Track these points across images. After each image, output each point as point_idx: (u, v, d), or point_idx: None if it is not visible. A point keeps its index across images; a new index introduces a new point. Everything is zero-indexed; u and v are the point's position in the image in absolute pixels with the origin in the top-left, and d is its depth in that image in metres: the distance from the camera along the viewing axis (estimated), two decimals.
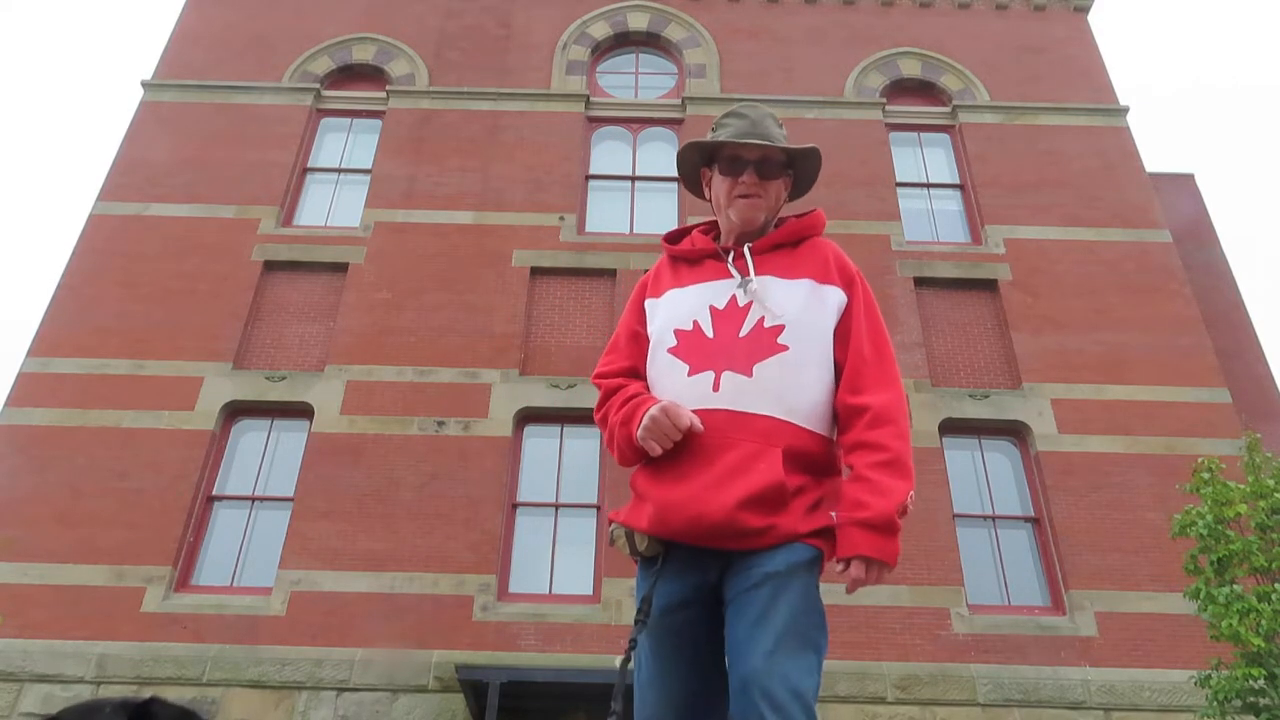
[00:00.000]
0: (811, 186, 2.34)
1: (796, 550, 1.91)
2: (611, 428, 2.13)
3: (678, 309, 2.17)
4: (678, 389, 2.06)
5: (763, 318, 2.07)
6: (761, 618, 1.85)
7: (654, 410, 1.98)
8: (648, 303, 2.27)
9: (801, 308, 2.08)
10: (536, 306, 12.19)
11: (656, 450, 2.00)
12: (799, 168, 2.29)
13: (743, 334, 2.06)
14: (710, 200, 2.33)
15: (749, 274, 2.13)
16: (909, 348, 11.73)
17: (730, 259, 2.20)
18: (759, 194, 2.20)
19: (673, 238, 2.36)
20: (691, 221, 2.56)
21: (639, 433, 2.01)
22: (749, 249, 2.18)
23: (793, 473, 1.96)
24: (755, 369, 2.01)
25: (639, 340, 2.23)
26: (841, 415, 2.05)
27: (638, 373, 2.19)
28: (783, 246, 2.20)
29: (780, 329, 2.05)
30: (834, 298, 2.13)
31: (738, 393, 2.00)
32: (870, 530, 1.88)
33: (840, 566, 1.91)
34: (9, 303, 57.62)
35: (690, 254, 2.27)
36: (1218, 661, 7.57)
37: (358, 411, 11.11)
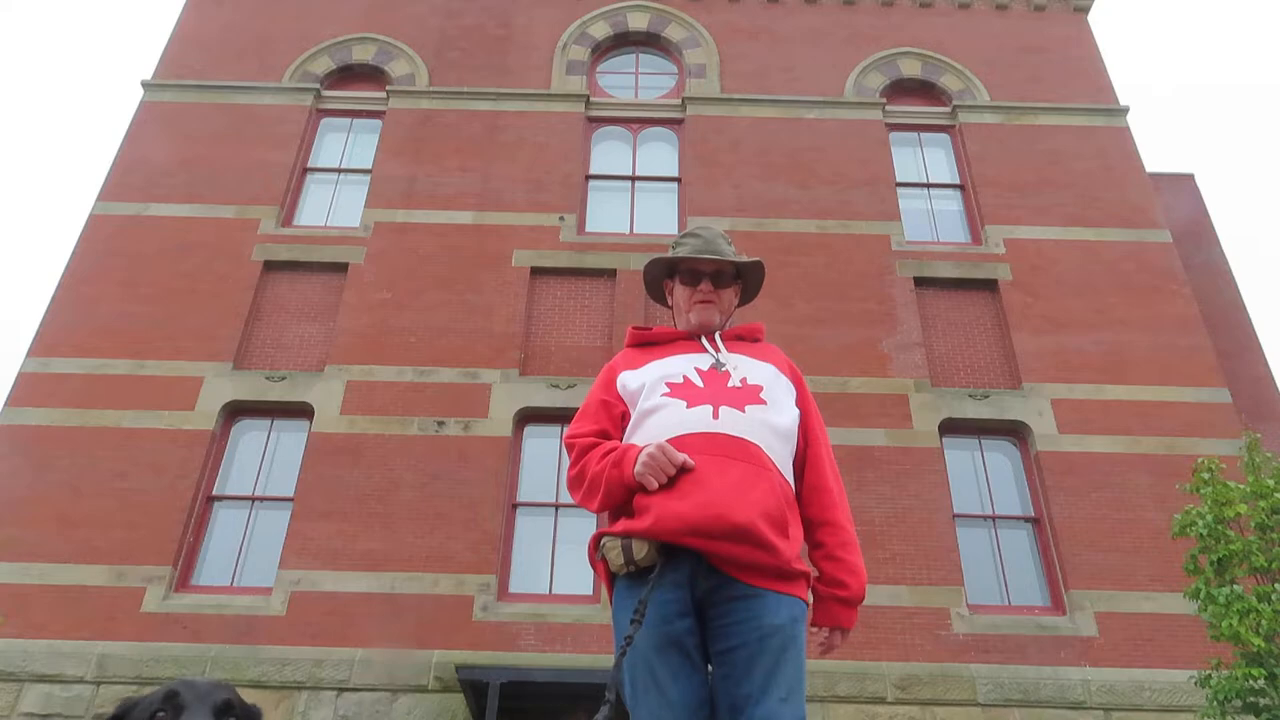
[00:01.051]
0: (758, 293, 2.73)
1: (795, 605, 2.14)
2: (595, 475, 2.26)
3: (665, 369, 2.41)
4: (678, 416, 2.26)
5: (745, 377, 2.36)
6: (777, 666, 2.05)
7: (650, 449, 2.16)
8: (623, 374, 2.47)
9: (772, 381, 2.40)
10: (536, 306, 12.19)
11: (653, 485, 2.13)
12: (747, 278, 2.67)
13: (730, 385, 2.34)
14: (671, 305, 2.69)
15: (720, 352, 2.47)
16: (909, 348, 11.73)
17: (702, 340, 2.52)
18: (714, 300, 2.57)
19: (640, 328, 2.66)
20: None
21: (637, 468, 2.15)
22: (718, 335, 2.53)
23: (783, 500, 2.20)
24: (746, 408, 2.28)
25: (609, 407, 2.42)
26: (805, 488, 2.34)
27: (608, 435, 2.38)
28: (743, 340, 2.56)
29: (760, 388, 2.35)
30: (789, 386, 2.46)
31: (735, 421, 2.24)
32: (848, 606, 2.27)
33: (819, 632, 2.28)
34: (9, 303, 57.63)
35: (661, 337, 2.58)
36: (1218, 661, 7.57)
37: (358, 411, 11.11)
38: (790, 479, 2.28)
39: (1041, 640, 9.79)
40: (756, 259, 2.65)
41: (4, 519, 10.13)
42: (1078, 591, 10.07)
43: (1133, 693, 9.42)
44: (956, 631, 9.82)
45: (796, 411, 2.39)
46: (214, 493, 10.79)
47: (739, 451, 2.17)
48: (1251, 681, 7.23)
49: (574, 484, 2.34)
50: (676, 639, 2.08)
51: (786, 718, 1.99)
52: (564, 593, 10.24)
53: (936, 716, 9.32)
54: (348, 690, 9.37)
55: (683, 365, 2.39)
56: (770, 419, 2.28)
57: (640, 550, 2.11)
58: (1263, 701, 7.30)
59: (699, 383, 2.33)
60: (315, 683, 9.38)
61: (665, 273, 2.66)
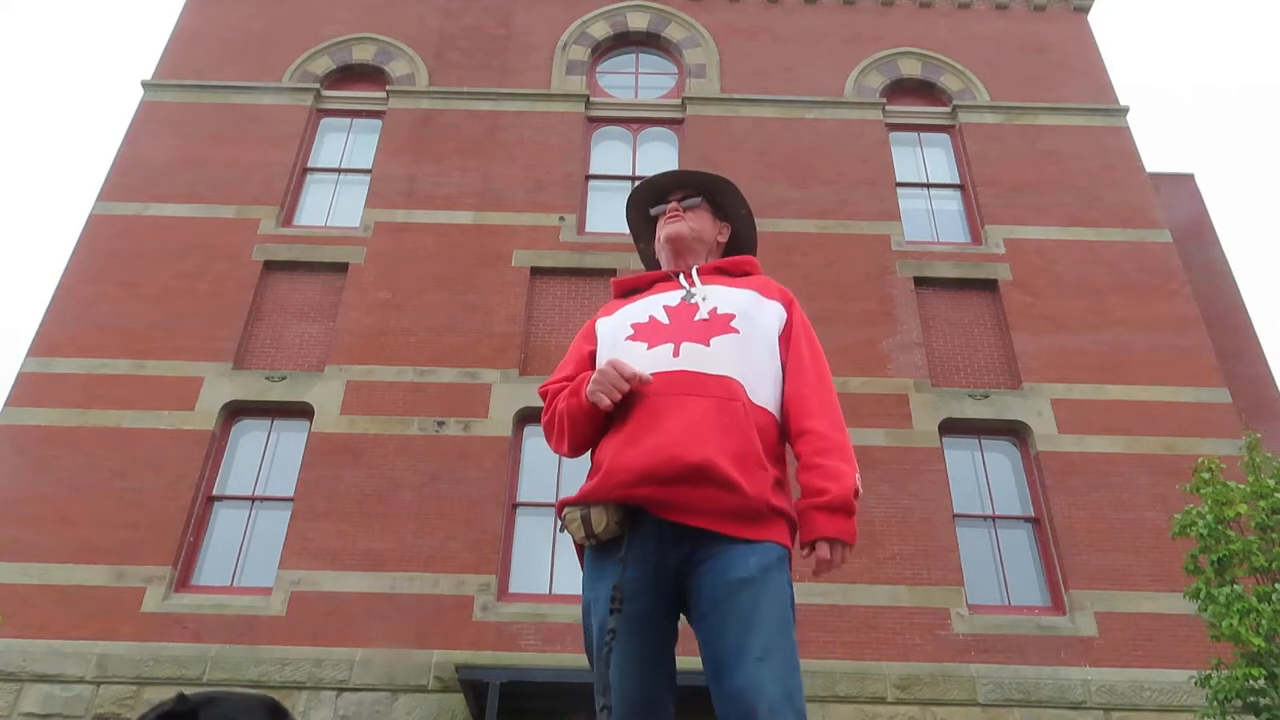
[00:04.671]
0: (752, 238, 2.57)
1: (768, 552, 1.94)
2: (559, 413, 2.18)
3: (633, 311, 2.31)
4: (637, 361, 2.11)
5: (715, 307, 2.21)
6: (747, 625, 1.85)
7: (601, 365, 2.06)
8: (599, 322, 2.39)
9: (748, 307, 2.24)
10: (536, 306, 12.19)
11: (605, 402, 2.01)
12: (730, 215, 2.54)
13: (697, 318, 2.19)
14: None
15: (695, 285, 2.32)
16: (909, 348, 11.73)
17: (679, 277, 2.39)
18: (680, 216, 2.46)
19: (622, 278, 2.55)
20: None
21: (588, 388, 2.04)
22: (695, 269, 2.39)
23: (753, 433, 2.02)
24: (711, 341, 2.12)
25: (587, 357, 2.33)
26: (784, 403, 2.16)
27: None
28: (726, 273, 2.40)
29: (732, 316, 2.19)
30: (775, 309, 2.29)
31: (696, 356, 2.09)
32: (831, 513, 1.96)
33: (806, 551, 1.99)
34: (9, 303, 57.62)
35: (640, 282, 2.46)
36: (1218, 661, 7.57)
37: (358, 411, 11.11)
38: (774, 408, 2.12)
39: (1041, 640, 9.79)
40: (723, 177, 2.52)
41: (4, 519, 10.13)
42: (1078, 591, 10.07)
43: (1133, 693, 9.42)
44: (956, 631, 9.82)
45: (775, 332, 2.23)
46: (214, 493, 10.79)
47: (699, 387, 2.01)
48: (1251, 681, 7.23)
49: (546, 430, 2.24)
50: (632, 619, 1.90)
51: (766, 679, 1.77)
52: (564, 593, 10.23)
53: (936, 716, 9.32)
54: (348, 690, 9.37)
55: (652, 305, 2.28)
56: (742, 347, 2.12)
57: (599, 522, 1.93)
58: (1263, 701, 7.30)
59: (664, 320, 2.21)
60: (315, 683, 9.38)
61: (651, 231, 2.59)
